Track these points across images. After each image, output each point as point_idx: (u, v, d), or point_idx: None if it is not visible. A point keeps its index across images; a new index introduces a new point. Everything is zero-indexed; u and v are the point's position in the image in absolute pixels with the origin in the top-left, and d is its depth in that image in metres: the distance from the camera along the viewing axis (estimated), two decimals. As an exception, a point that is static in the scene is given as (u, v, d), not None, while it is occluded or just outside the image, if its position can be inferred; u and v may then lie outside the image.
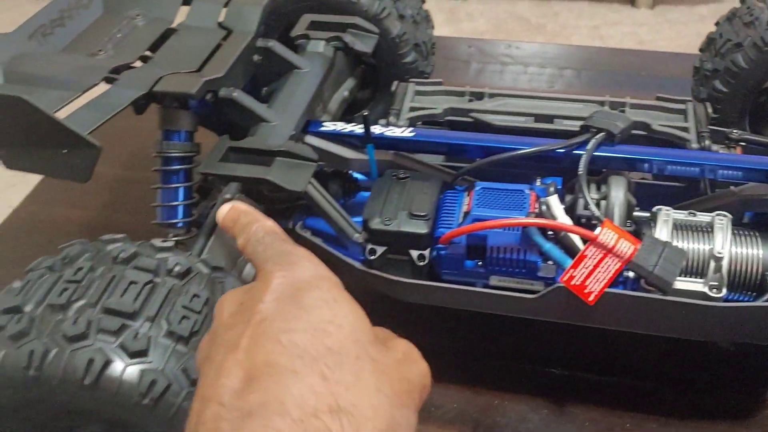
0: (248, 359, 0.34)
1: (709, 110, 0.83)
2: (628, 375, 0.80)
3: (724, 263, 0.67)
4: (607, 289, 0.66)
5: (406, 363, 0.37)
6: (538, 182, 0.74)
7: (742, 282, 0.67)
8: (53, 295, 0.55)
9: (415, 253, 0.72)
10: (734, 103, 0.90)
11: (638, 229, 0.71)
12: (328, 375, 0.33)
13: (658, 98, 0.85)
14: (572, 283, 0.66)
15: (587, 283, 0.66)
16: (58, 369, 0.52)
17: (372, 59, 0.94)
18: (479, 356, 0.83)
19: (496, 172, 0.77)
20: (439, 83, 0.90)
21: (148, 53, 0.79)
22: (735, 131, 0.80)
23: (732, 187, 0.73)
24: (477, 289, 0.71)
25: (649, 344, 0.79)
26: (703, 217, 0.70)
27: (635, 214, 0.72)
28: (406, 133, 0.79)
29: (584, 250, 0.66)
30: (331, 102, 0.89)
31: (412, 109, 0.86)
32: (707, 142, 0.78)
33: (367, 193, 0.78)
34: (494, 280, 0.72)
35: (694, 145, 0.78)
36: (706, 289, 0.66)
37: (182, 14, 0.85)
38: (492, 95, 0.87)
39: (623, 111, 0.83)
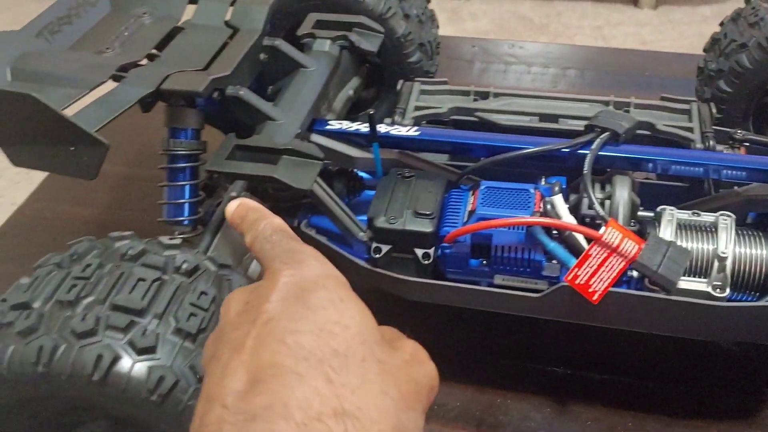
0: (253, 360, 0.34)
1: (714, 110, 0.83)
2: (630, 374, 0.81)
3: (728, 263, 0.67)
4: (611, 289, 0.66)
5: (414, 364, 0.36)
6: (542, 181, 0.75)
7: (745, 282, 0.68)
8: (62, 291, 0.56)
9: (419, 252, 0.72)
10: (738, 104, 0.91)
11: (642, 229, 0.71)
12: (333, 377, 0.32)
13: (663, 98, 0.85)
14: (576, 282, 0.66)
15: (591, 282, 0.66)
16: (66, 365, 0.52)
17: (377, 58, 0.94)
18: (483, 355, 0.83)
19: (501, 171, 0.77)
20: (444, 82, 0.90)
21: (155, 51, 0.79)
22: (739, 131, 0.80)
23: (736, 188, 0.73)
24: (481, 288, 0.72)
25: (653, 344, 0.79)
26: (707, 217, 0.70)
27: (639, 213, 0.73)
28: (412, 132, 0.79)
29: (589, 250, 0.66)
30: (336, 101, 0.89)
31: (418, 108, 0.86)
32: (711, 143, 0.78)
33: (371, 192, 0.78)
34: (498, 279, 0.73)
35: (699, 146, 0.78)
36: (709, 289, 0.67)
37: (189, 12, 0.86)
38: (497, 95, 0.88)
39: (628, 111, 0.83)
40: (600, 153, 0.74)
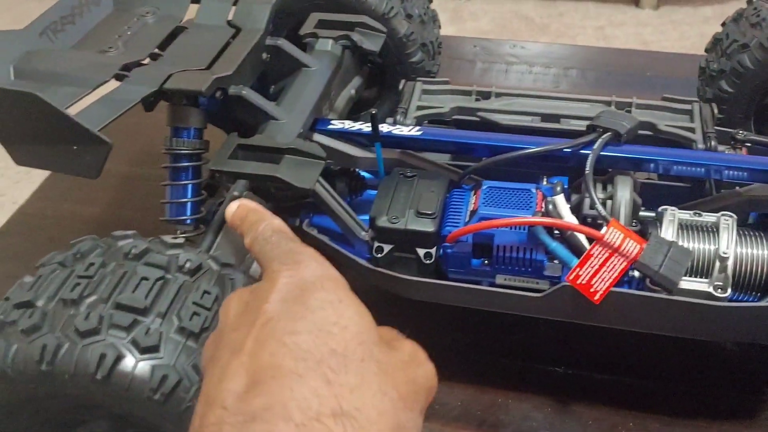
0: (252, 362, 0.34)
1: (715, 111, 0.83)
2: (632, 374, 0.81)
3: (729, 263, 0.67)
4: (612, 289, 0.66)
5: (412, 365, 0.36)
6: (544, 181, 0.75)
7: (747, 282, 0.68)
8: (65, 290, 0.56)
9: (421, 252, 0.72)
10: (740, 104, 0.91)
11: (644, 229, 0.71)
12: (332, 378, 0.33)
13: (664, 98, 0.85)
14: (578, 282, 0.66)
15: (593, 282, 0.66)
16: (70, 363, 0.52)
17: (378, 58, 0.94)
18: (484, 354, 0.83)
19: (503, 171, 0.77)
20: (446, 82, 0.90)
21: (157, 51, 0.79)
22: (740, 132, 0.80)
23: (737, 188, 0.73)
24: (483, 288, 0.72)
25: (654, 344, 0.79)
26: (708, 218, 0.70)
27: (641, 213, 0.73)
28: (414, 131, 0.80)
29: (590, 250, 0.66)
30: (338, 100, 0.90)
31: (420, 107, 0.86)
32: (713, 143, 0.78)
33: (373, 192, 0.78)
34: (500, 279, 0.73)
35: (700, 146, 0.78)
36: (711, 289, 0.67)
37: (192, 12, 0.86)
38: (499, 94, 0.88)
39: (629, 111, 0.83)
40: (602, 153, 0.74)
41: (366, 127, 0.80)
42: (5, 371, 0.54)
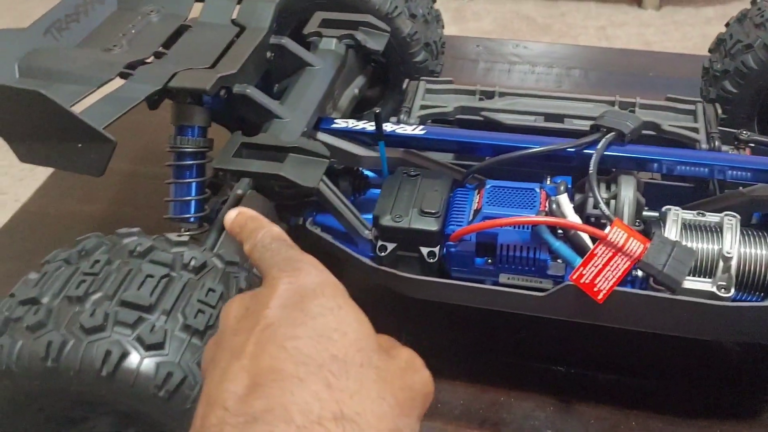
0: (253, 365, 0.34)
1: (719, 111, 0.83)
2: (634, 373, 0.81)
3: (733, 263, 0.67)
4: (616, 288, 0.66)
5: (409, 371, 0.37)
6: (548, 181, 0.75)
7: (750, 282, 0.68)
8: (70, 287, 0.56)
9: (425, 250, 0.72)
10: (743, 104, 0.91)
11: (647, 229, 0.71)
12: (333, 382, 0.33)
13: (668, 99, 0.85)
14: (581, 281, 0.66)
15: (596, 281, 0.66)
16: (75, 360, 0.52)
17: (382, 58, 0.95)
18: (486, 353, 0.83)
19: (507, 170, 0.77)
20: (450, 82, 0.90)
21: (162, 49, 0.79)
22: (744, 132, 0.80)
23: (741, 188, 0.73)
24: (486, 287, 0.72)
25: (657, 343, 0.80)
26: (712, 218, 0.70)
27: (644, 213, 0.73)
28: (417, 131, 0.80)
29: (594, 249, 0.66)
30: (342, 99, 0.90)
31: (423, 107, 0.86)
32: (717, 143, 0.78)
33: (377, 191, 0.78)
34: (503, 278, 0.73)
35: (704, 146, 0.78)
36: (714, 289, 0.67)
37: (196, 10, 0.86)
38: (502, 94, 0.88)
39: (633, 111, 0.83)
40: (605, 153, 0.74)
41: (370, 126, 0.80)
42: (10, 368, 0.54)
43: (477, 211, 0.72)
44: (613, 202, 0.72)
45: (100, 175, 0.66)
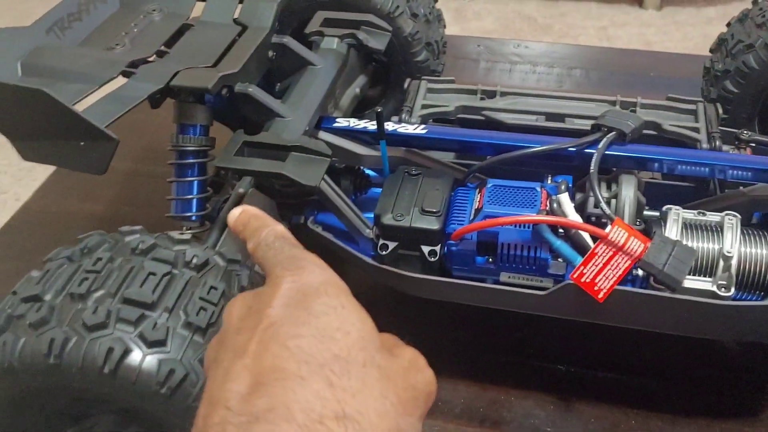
0: (256, 364, 0.34)
1: (720, 111, 0.83)
2: (634, 372, 0.81)
3: (733, 263, 0.67)
4: (616, 287, 0.66)
5: (412, 371, 0.37)
6: (549, 180, 0.75)
7: (750, 281, 0.68)
8: (73, 284, 0.56)
9: (426, 249, 0.73)
10: (744, 104, 0.91)
11: (648, 228, 0.71)
12: (335, 381, 0.33)
13: (669, 98, 0.85)
14: (582, 280, 0.66)
15: (597, 280, 0.66)
16: (77, 357, 0.52)
17: (384, 57, 0.95)
18: (487, 352, 0.84)
19: (508, 169, 0.77)
20: (451, 81, 0.90)
21: (164, 48, 0.79)
22: (745, 132, 0.80)
23: (741, 188, 0.73)
24: (487, 285, 0.72)
25: (657, 342, 0.80)
26: (712, 217, 0.70)
27: (645, 213, 0.73)
28: (419, 130, 0.80)
29: (594, 248, 0.66)
30: (343, 98, 0.90)
31: (425, 106, 0.87)
32: (717, 143, 0.78)
33: (378, 190, 0.78)
34: (504, 277, 0.73)
35: (705, 146, 0.78)
36: (714, 288, 0.67)
37: (198, 10, 0.86)
38: (503, 94, 0.88)
39: (634, 111, 0.83)
40: (606, 152, 0.74)
41: (371, 126, 0.80)
42: (13, 364, 0.54)
43: (478, 210, 0.72)
44: (613, 201, 0.72)
45: (103, 174, 0.66)
